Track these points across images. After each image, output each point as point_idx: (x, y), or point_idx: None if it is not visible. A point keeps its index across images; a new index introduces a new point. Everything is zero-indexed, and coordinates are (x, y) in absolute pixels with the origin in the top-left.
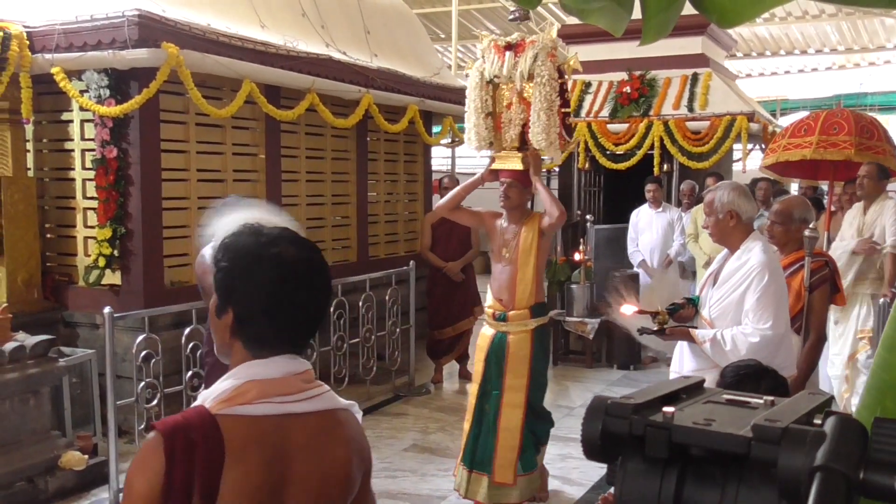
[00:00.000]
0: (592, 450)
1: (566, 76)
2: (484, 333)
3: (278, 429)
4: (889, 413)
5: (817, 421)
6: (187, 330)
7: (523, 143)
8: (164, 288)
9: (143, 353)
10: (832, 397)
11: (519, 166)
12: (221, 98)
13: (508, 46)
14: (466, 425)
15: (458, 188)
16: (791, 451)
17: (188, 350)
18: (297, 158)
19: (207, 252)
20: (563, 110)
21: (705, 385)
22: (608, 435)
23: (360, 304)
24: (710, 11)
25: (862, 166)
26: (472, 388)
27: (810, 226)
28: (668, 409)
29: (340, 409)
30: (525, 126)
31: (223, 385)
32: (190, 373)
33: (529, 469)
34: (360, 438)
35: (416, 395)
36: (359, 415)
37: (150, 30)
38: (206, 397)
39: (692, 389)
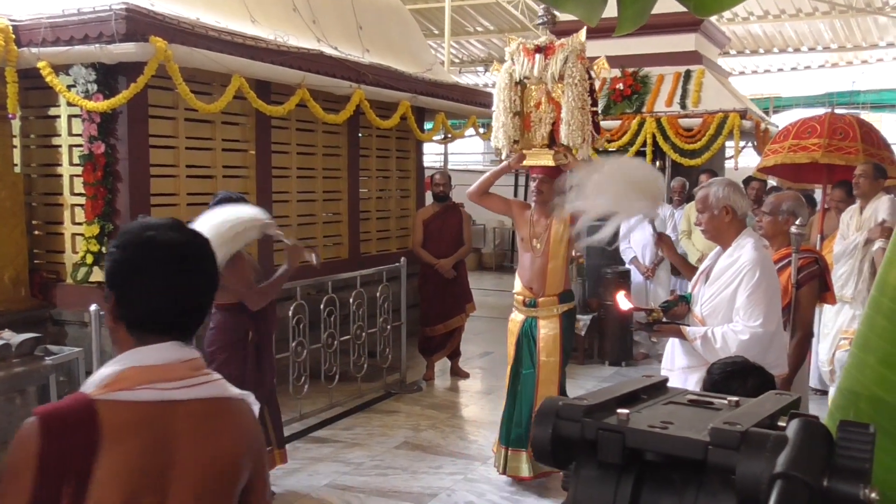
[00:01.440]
0: (543, 455)
1: (595, 77)
2: (514, 319)
3: (161, 414)
4: (863, 415)
5: (782, 423)
6: None
7: (552, 141)
8: None
9: None
10: (799, 398)
11: (550, 163)
12: (211, 93)
13: (538, 49)
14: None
15: (487, 174)
16: (750, 456)
17: None
18: (287, 154)
19: None
20: (592, 109)
21: (695, 382)
22: (559, 439)
23: (351, 301)
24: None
25: (858, 166)
26: (508, 371)
27: (797, 222)
28: (623, 411)
29: (231, 397)
30: (554, 125)
31: (106, 370)
32: None
33: None
34: (250, 428)
35: (408, 393)
36: (255, 406)
37: (138, 23)
38: (91, 383)
39: (654, 389)
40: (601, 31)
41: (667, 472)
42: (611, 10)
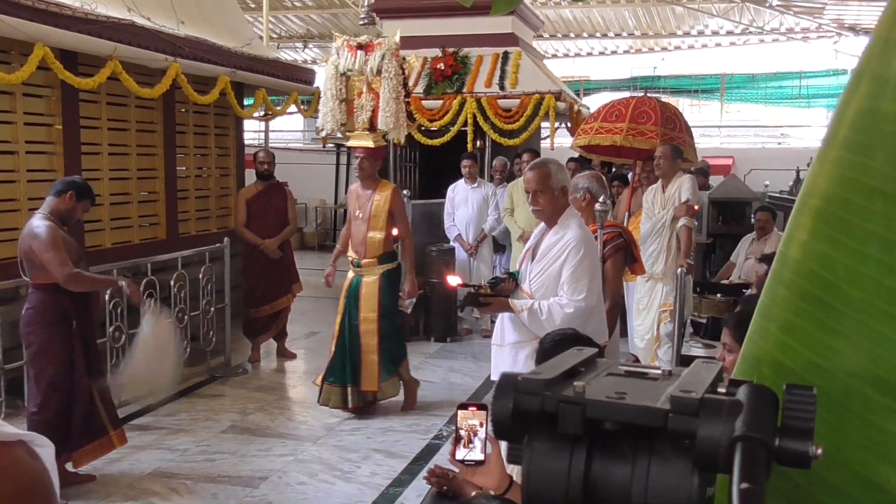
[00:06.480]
0: (503, 429)
1: (406, 72)
2: (348, 276)
3: None
4: (765, 379)
5: (721, 389)
6: None
7: (372, 125)
8: None
9: None
10: (724, 365)
11: (370, 144)
12: (10, 63)
13: (360, 46)
14: (332, 349)
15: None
16: (710, 421)
17: None
18: (98, 130)
19: (36, 223)
20: (405, 99)
21: (525, 356)
22: (519, 413)
23: (172, 283)
24: None
25: (658, 147)
26: (337, 319)
27: (601, 199)
28: (579, 383)
29: None
30: (374, 111)
31: None
32: None
33: (388, 376)
34: (16, 477)
35: (233, 376)
36: (43, 448)
37: None
38: None
39: (588, 363)
40: (423, 10)
41: (616, 440)
42: None
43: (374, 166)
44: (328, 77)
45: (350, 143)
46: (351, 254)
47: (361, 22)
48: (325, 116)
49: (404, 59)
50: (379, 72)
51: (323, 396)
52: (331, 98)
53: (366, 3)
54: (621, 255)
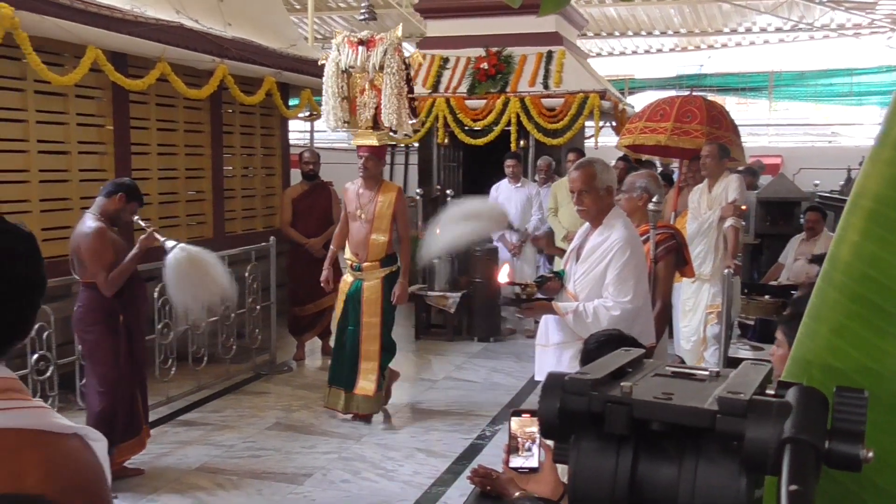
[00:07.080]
0: (550, 429)
1: (411, 67)
2: (345, 280)
3: None
4: (815, 382)
5: (769, 391)
6: None
7: (376, 123)
8: None
9: None
10: (772, 367)
11: (375, 142)
12: (63, 65)
13: (361, 42)
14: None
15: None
16: (758, 423)
17: (33, 332)
18: (147, 130)
19: (88, 223)
20: (409, 95)
21: (569, 357)
22: (566, 412)
23: None
24: None
25: (704, 146)
26: (333, 324)
27: (654, 199)
28: (626, 384)
29: (46, 431)
30: (377, 109)
31: None
32: (36, 356)
33: (381, 386)
34: (75, 469)
35: (278, 373)
36: (98, 443)
37: None
38: None
39: (635, 363)
40: (466, 10)
41: (662, 441)
42: None
43: (379, 165)
44: (329, 75)
45: (354, 142)
46: (349, 256)
47: (361, 17)
48: (327, 115)
49: (409, 55)
50: (381, 68)
51: (330, 400)
52: (332, 96)
53: (395, 4)
54: (672, 256)
